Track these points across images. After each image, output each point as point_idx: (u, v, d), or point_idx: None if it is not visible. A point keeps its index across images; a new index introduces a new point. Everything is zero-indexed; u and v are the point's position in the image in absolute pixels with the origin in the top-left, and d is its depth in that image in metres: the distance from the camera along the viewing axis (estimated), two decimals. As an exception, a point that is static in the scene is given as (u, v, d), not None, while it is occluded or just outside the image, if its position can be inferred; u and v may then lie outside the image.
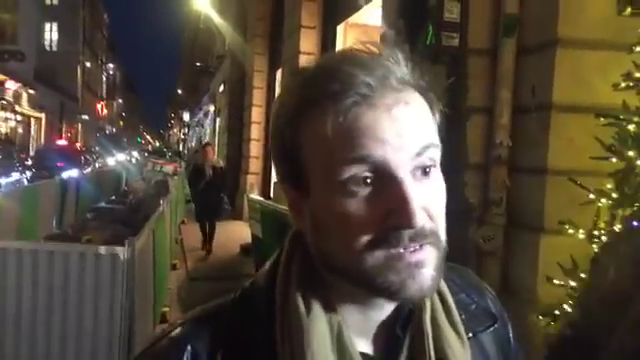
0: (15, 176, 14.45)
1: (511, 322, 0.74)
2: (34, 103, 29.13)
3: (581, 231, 2.47)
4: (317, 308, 0.58)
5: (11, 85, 25.55)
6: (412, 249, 0.54)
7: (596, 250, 2.38)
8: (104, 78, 57.50)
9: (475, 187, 3.55)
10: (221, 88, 18.87)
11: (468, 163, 3.57)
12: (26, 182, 13.73)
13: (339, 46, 7.06)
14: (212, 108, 24.04)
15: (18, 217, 7.21)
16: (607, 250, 2.22)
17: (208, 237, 8.15)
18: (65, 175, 12.86)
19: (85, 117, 42.24)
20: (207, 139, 22.78)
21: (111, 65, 61.91)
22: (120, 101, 76.41)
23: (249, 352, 0.59)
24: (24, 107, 27.99)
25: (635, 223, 2.19)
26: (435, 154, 0.57)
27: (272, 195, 9.90)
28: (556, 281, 2.52)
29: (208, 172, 7.93)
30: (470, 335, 0.65)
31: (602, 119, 2.43)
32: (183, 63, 51.24)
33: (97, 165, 22.78)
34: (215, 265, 7.50)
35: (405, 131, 0.55)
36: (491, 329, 0.69)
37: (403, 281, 0.54)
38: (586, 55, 3.05)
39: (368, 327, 0.62)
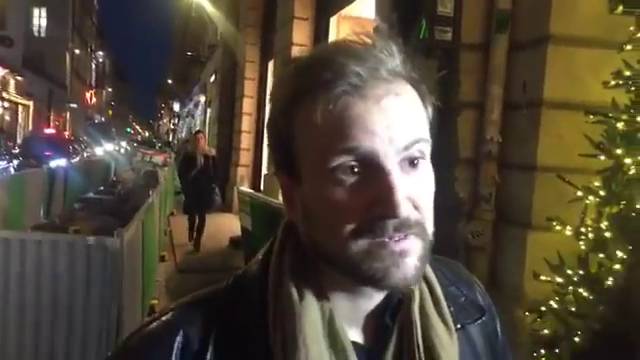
0: (2, 164, 14.29)
1: (499, 316, 0.75)
2: (22, 90, 28.68)
3: (568, 228, 2.49)
4: (309, 296, 0.59)
5: (-2, 71, 25.16)
6: (397, 238, 0.55)
7: (583, 247, 2.40)
8: (93, 66, 56.74)
9: (465, 182, 3.56)
10: (212, 78, 18.74)
11: (458, 158, 3.58)
12: (13, 171, 13.58)
13: (332, 38, 7.02)
14: (203, 98, 23.87)
15: (5, 207, 7.13)
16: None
17: (197, 232, 7.80)
18: (53, 164, 12.72)
19: (74, 105, 41.70)
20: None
21: (100, 53, 61.10)
22: (109, 90, 75.51)
23: (241, 337, 0.60)
24: (11, 94, 27.55)
25: None
26: (424, 147, 0.58)
27: (262, 188, 9.88)
28: (543, 277, 2.54)
29: (199, 161, 7.69)
30: (458, 326, 0.66)
31: (591, 117, 2.45)
32: (174, 52, 50.72)
33: (85, 155, 22.56)
34: (204, 258, 7.47)
35: (394, 122, 0.55)
36: (479, 321, 0.70)
37: (387, 269, 0.55)
38: (578, 52, 3.06)
39: (358, 316, 0.62)
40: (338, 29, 7.32)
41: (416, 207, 0.56)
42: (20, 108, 29.85)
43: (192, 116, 30.47)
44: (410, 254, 0.55)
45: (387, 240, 0.55)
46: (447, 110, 3.46)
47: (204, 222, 7.87)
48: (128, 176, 16.65)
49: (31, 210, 8.48)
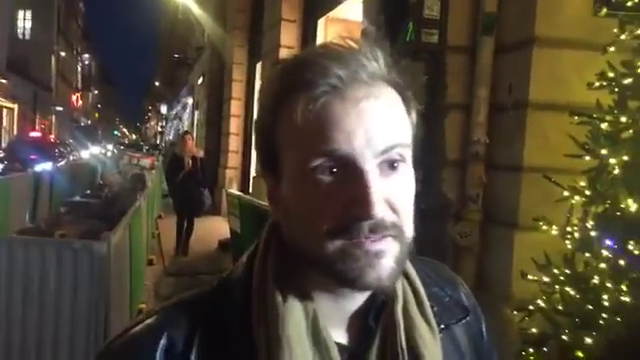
0: (-14, 168, 14.07)
1: (484, 316, 0.76)
2: (6, 93, 28.28)
3: (554, 227, 2.51)
4: (293, 297, 0.59)
5: (-18, 74, 24.80)
6: (373, 239, 0.55)
7: (569, 246, 2.43)
8: (79, 69, 56.17)
9: (452, 183, 3.59)
10: (200, 80, 18.64)
11: (446, 159, 3.61)
12: (-3, 175, 13.39)
13: (319, 40, 7.03)
14: (190, 101, 23.75)
15: (-11, 211, 7.02)
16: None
17: (185, 236, 7.65)
18: (38, 168, 12.59)
19: (59, 108, 41.21)
20: (185, 132, 22.45)
21: (86, 55, 60.48)
22: (96, 92, 74.79)
23: (226, 338, 0.60)
24: (-5, 97, 27.20)
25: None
26: (404, 151, 0.58)
27: (251, 190, 9.84)
28: (530, 276, 2.57)
29: (187, 163, 7.51)
30: (442, 327, 0.66)
31: (576, 117, 2.48)
32: (161, 54, 50.45)
33: (72, 158, 22.32)
34: (193, 261, 7.41)
35: (373, 125, 0.56)
36: (463, 321, 0.70)
37: (361, 268, 0.55)
38: (562, 54, 3.10)
39: (341, 317, 0.63)
40: (326, 31, 7.33)
41: (394, 210, 0.56)
42: (5, 111, 29.42)
43: (180, 118, 30.29)
44: (386, 255, 0.55)
45: (363, 240, 0.55)
46: (434, 112, 3.49)
47: (192, 227, 7.74)
48: (115, 179, 16.51)
49: (16, 215, 8.38)
